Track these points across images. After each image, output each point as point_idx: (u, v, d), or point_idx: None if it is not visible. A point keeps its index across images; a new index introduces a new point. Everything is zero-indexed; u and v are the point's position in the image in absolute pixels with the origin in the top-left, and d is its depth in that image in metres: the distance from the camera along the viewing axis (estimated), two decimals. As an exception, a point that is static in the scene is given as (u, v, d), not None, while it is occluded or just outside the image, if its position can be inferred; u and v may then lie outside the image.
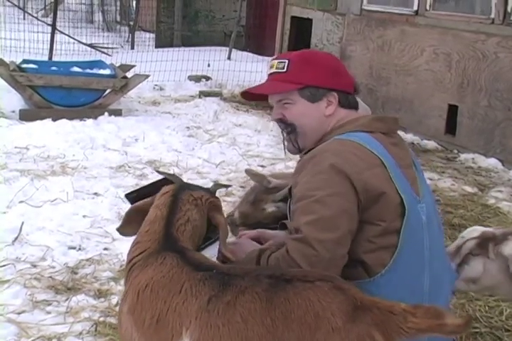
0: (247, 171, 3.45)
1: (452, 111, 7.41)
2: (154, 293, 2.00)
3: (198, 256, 2.12)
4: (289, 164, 6.28)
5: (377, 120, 2.47)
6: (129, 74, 8.14)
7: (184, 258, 2.06)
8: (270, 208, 3.13)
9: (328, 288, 1.88)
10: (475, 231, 2.97)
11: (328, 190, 2.22)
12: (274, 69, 2.50)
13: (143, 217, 2.29)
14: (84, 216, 4.76)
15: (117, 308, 3.36)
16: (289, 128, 2.49)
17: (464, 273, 2.85)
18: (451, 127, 7.45)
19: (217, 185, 2.41)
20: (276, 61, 2.51)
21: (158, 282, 2.01)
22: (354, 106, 2.54)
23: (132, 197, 2.72)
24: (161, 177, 2.65)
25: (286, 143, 2.56)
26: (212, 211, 2.28)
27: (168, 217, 2.20)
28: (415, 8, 7.91)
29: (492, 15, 6.83)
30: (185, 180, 2.64)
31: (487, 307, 3.70)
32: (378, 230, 2.26)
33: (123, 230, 2.39)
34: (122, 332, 2.08)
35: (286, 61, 2.47)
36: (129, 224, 2.35)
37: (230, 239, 2.51)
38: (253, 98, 2.76)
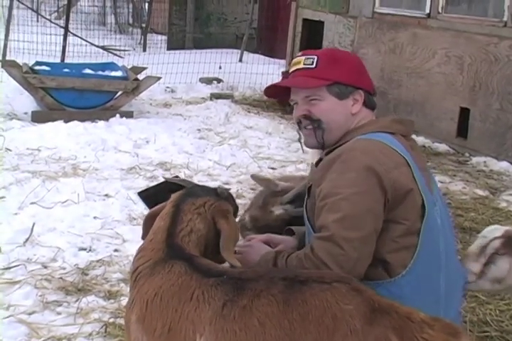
0: (253, 177, 3.44)
1: (464, 114, 7.38)
2: (164, 301, 1.98)
3: (206, 262, 2.10)
4: (300, 166, 6.29)
5: (397, 122, 2.48)
6: (140, 77, 8.18)
7: (192, 265, 2.04)
8: (278, 211, 3.13)
9: (345, 290, 1.87)
10: (497, 230, 2.92)
11: (355, 188, 2.22)
12: (301, 65, 2.48)
13: None
14: (95, 217, 4.78)
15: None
16: (315, 124, 2.46)
17: (491, 273, 2.80)
18: (462, 130, 7.41)
19: (221, 189, 2.38)
20: (303, 57, 2.50)
21: (168, 291, 1.99)
22: (374, 107, 2.55)
23: (144, 195, 2.72)
24: (173, 175, 2.64)
25: (307, 138, 2.54)
26: (216, 216, 2.25)
27: (169, 228, 2.17)
28: (427, 10, 7.88)
29: (505, 18, 6.80)
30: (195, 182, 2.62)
31: (498, 311, 3.67)
32: (402, 229, 2.27)
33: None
34: (131, 340, 2.06)
35: (315, 57, 2.46)
36: (148, 232, 2.31)
37: (240, 242, 2.49)
38: (275, 95, 2.73)
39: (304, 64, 2.47)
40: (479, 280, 2.79)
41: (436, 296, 2.33)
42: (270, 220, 3.13)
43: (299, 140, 2.57)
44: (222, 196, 2.34)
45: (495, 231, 2.91)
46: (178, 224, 2.18)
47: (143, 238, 2.38)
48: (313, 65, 2.45)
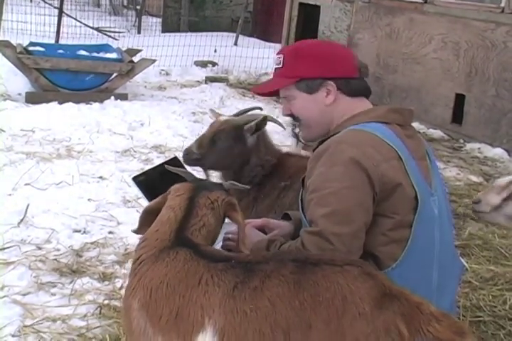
0: (211, 110, 3.70)
1: (459, 100, 7.39)
2: (170, 288, 1.96)
3: (211, 249, 2.10)
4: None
5: (393, 111, 2.42)
6: (135, 59, 8.13)
7: (197, 252, 2.02)
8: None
9: (357, 273, 1.87)
10: None
11: (343, 182, 2.20)
12: (275, 65, 2.52)
13: (156, 216, 2.23)
14: (89, 199, 4.77)
15: (122, 291, 3.37)
16: (297, 121, 2.52)
17: (507, 208, 2.75)
18: (457, 116, 7.43)
19: (232, 184, 2.35)
20: (276, 56, 2.52)
21: (174, 278, 1.97)
22: (361, 92, 2.48)
23: (139, 180, 2.66)
24: (167, 158, 2.60)
25: (300, 133, 2.58)
26: (229, 211, 2.23)
27: (181, 221, 2.13)
28: (424, -4, 7.86)
29: (502, 4, 6.79)
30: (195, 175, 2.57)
31: (491, 296, 3.70)
32: (392, 223, 2.25)
33: (140, 232, 2.30)
34: (132, 327, 2.02)
35: (282, 56, 2.47)
36: (145, 226, 2.26)
37: (233, 228, 2.46)
38: (267, 94, 2.72)
39: (276, 64, 2.50)
40: (493, 212, 2.75)
41: (428, 287, 2.32)
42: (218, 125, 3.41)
43: (293, 131, 2.57)
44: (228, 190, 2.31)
45: None
46: (191, 217, 2.14)
47: (138, 231, 2.33)
48: (281, 65, 2.46)
